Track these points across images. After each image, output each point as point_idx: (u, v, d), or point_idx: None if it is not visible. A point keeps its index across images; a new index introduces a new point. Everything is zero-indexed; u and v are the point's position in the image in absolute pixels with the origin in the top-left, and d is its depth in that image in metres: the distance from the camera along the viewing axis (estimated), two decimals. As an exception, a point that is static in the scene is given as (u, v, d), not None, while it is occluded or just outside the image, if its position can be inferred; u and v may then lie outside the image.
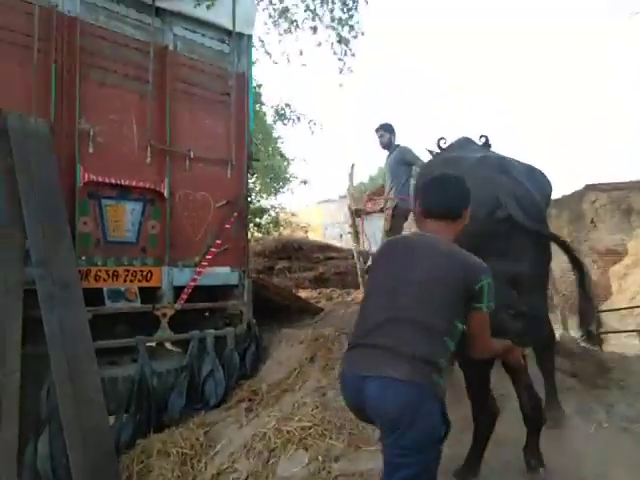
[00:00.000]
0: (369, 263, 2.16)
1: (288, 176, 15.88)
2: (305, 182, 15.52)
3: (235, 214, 4.29)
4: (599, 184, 13.23)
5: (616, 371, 4.11)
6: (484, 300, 1.80)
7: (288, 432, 3.02)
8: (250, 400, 3.75)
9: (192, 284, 4.00)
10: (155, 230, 3.91)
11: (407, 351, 1.68)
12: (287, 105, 11.44)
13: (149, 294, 3.86)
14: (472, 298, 1.79)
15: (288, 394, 3.67)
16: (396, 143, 5.52)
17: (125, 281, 3.70)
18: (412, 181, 5.52)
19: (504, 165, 2.74)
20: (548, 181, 2.99)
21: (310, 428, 3.04)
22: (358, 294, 6.10)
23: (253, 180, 12.17)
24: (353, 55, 10.11)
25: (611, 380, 3.95)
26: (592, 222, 13.05)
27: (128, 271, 3.73)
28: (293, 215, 18.08)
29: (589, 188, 13.21)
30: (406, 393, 1.65)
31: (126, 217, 3.77)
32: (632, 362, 4.46)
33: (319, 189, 53.45)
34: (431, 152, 3.62)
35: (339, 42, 9.54)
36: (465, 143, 3.33)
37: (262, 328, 4.56)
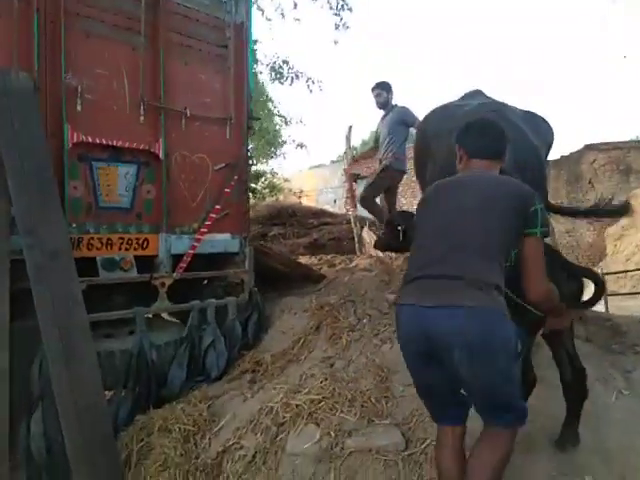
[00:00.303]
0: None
1: (281, 140, 15.51)
2: (302, 145, 15.13)
3: (235, 177, 4.03)
4: (598, 144, 13.21)
5: (630, 335, 4.01)
6: (538, 224, 1.84)
7: (297, 406, 2.88)
8: (254, 371, 3.61)
9: (191, 252, 3.78)
10: (151, 195, 3.66)
11: (476, 277, 1.73)
12: (285, 62, 10.99)
13: (145, 263, 3.65)
14: (526, 222, 1.83)
15: (293, 365, 3.53)
16: (393, 103, 5.30)
17: (120, 249, 3.48)
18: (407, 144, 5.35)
19: (502, 110, 2.67)
20: (550, 128, 2.93)
21: (320, 402, 2.90)
22: (361, 260, 5.91)
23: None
24: (350, 9, 9.78)
25: (625, 345, 3.83)
26: (590, 183, 13.08)
27: (123, 239, 3.50)
28: (286, 180, 17.85)
29: (588, 148, 13.20)
30: (486, 318, 1.69)
31: (119, 181, 3.50)
32: (645, 326, 4.36)
33: (312, 153, 53.30)
34: None
35: (336, -6, 9.16)
36: (474, 94, 3.27)
37: (263, 296, 4.38)
